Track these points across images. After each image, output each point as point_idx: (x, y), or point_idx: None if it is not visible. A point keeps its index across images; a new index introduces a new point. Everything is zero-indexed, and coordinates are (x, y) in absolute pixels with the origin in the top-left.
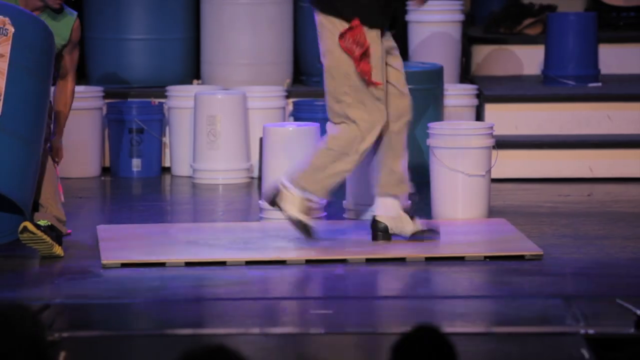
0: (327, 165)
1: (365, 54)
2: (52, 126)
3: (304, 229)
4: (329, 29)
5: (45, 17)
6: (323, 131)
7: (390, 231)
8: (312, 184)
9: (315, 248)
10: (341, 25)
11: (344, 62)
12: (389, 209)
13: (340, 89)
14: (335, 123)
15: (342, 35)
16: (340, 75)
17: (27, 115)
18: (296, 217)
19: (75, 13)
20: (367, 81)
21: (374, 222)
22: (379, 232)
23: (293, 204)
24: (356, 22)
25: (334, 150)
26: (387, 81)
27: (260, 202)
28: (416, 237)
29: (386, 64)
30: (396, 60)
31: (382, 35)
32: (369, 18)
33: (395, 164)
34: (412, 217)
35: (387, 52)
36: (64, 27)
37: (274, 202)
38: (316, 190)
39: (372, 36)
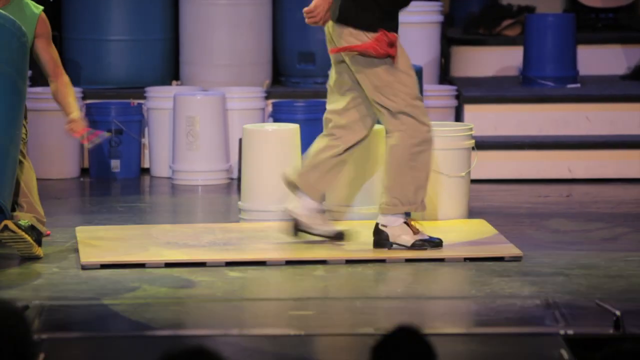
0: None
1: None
2: (26, 125)
3: (431, 244)
4: (351, 42)
5: (10, 11)
6: (303, 132)
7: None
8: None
9: (295, 249)
10: (366, 36)
11: (381, 70)
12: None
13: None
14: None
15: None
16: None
17: (3, 115)
18: (416, 241)
19: (40, 7)
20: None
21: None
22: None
23: (404, 233)
24: (382, 32)
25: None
26: None
27: (239, 202)
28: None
29: None
30: None
31: None
32: (390, 26)
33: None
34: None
35: None
36: (28, 21)
37: (389, 244)
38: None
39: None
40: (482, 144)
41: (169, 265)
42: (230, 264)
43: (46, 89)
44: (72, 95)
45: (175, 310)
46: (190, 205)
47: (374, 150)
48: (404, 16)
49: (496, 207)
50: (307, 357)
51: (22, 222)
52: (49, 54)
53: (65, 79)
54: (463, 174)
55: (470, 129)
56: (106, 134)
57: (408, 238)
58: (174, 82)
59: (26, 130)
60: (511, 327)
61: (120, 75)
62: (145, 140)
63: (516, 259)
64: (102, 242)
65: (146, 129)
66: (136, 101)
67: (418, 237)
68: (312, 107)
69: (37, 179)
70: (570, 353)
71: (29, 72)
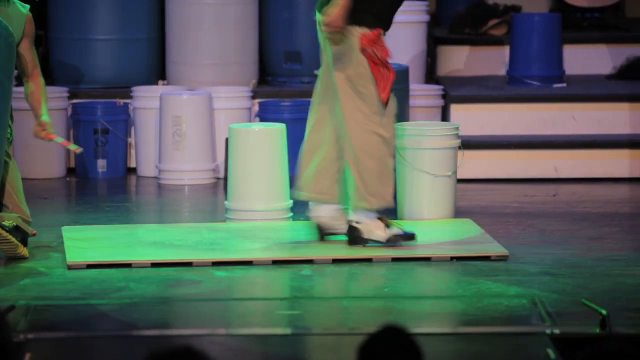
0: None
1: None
2: (12, 126)
3: (405, 238)
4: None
5: None
6: (289, 132)
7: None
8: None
9: (281, 249)
10: (360, 32)
11: (360, 64)
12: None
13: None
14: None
15: (362, 43)
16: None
17: None
18: (391, 237)
19: (27, 7)
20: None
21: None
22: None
23: (378, 229)
24: (378, 32)
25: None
26: None
27: (226, 202)
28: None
29: None
30: None
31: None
32: (385, 23)
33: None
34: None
35: None
36: (17, 22)
37: (364, 241)
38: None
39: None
40: (469, 143)
41: (155, 265)
42: (217, 264)
43: None
44: (45, 99)
45: (161, 311)
46: (176, 205)
47: None
48: None
49: (483, 207)
50: (294, 357)
51: (6, 224)
52: (30, 55)
53: (42, 81)
54: (450, 173)
55: (457, 129)
56: (76, 150)
57: (382, 234)
58: (161, 82)
59: (11, 131)
60: (498, 326)
61: (107, 75)
62: (131, 140)
63: (503, 258)
64: (88, 243)
65: (133, 129)
66: (122, 101)
67: (392, 232)
68: (299, 107)
69: (23, 179)
70: (557, 352)
71: (15, 72)
